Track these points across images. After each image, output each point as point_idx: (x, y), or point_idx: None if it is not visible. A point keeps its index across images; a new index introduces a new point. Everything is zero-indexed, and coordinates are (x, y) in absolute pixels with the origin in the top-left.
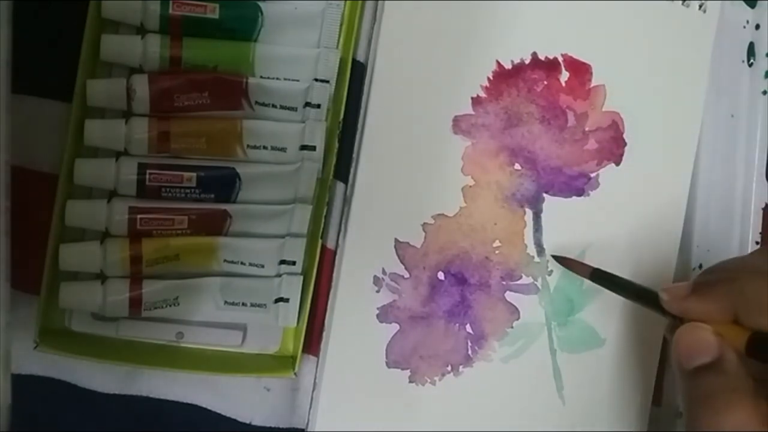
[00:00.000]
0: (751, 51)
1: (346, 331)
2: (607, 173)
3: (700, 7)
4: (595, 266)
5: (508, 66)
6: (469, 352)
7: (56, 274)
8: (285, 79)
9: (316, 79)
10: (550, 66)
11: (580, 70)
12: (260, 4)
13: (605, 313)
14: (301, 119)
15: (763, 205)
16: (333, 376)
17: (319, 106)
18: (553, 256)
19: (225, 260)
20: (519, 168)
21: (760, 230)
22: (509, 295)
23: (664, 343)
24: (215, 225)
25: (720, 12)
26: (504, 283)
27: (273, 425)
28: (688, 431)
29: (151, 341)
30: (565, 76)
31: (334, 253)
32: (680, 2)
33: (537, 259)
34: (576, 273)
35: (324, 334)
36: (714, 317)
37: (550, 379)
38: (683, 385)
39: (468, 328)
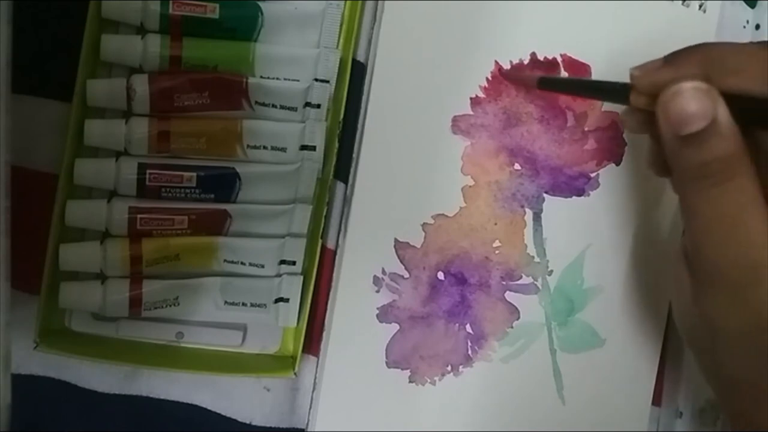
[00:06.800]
0: None
1: (346, 331)
2: (607, 173)
3: (700, 7)
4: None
5: (507, 66)
6: (469, 352)
7: (56, 274)
8: (285, 79)
9: (316, 79)
10: (549, 66)
11: (579, 70)
12: (260, 4)
13: (605, 313)
14: (301, 119)
15: None
16: (333, 376)
17: (319, 106)
18: (501, 72)
19: (225, 260)
20: (519, 168)
21: None
22: (509, 295)
23: (664, 343)
24: (215, 225)
25: (720, 12)
26: (504, 283)
27: (273, 425)
28: (683, 212)
29: (151, 341)
30: (564, 76)
31: (334, 253)
32: (680, 2)
33: (537, 259)
34: (525, 87)
35: (324, 334)
36: None
37: (550, 379)
38: (675, 157)
39: (468, 328)
